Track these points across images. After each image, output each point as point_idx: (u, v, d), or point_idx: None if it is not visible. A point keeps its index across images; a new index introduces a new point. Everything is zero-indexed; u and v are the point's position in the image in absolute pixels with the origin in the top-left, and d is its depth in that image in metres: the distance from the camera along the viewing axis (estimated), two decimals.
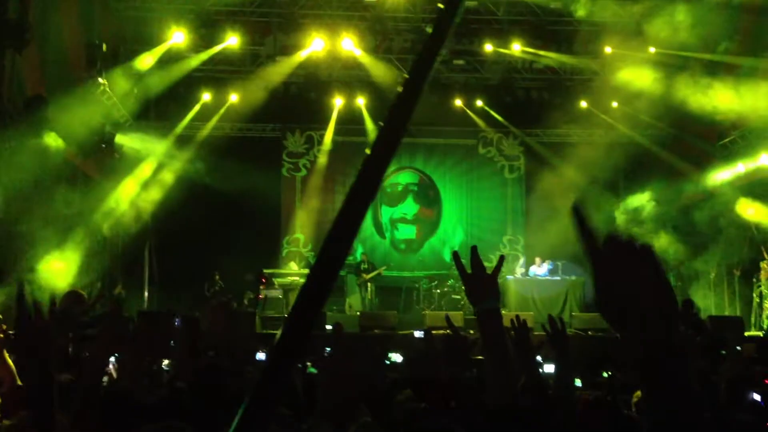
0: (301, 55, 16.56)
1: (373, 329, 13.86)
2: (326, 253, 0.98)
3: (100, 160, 15.02)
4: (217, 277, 16.25)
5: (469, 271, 2.53)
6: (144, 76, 15.83)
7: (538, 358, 5.87)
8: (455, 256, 2.58)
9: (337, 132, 18.78)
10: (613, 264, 1.19)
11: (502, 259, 2.73)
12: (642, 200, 18.30)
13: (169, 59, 16.09)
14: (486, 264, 2.55)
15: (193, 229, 16.68)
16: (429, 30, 1.04)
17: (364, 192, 0.99)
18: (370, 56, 16.98)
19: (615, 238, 1.21)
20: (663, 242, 17.48)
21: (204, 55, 16.21)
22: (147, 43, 15.61)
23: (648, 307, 1.15)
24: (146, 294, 16.87)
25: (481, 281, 2.51)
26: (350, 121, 18.49)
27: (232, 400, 3.27)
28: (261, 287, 15.59)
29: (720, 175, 15.93)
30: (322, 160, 19.11)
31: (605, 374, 6.70)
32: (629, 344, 1.15)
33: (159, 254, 17.31)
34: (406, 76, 1.02)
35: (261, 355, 5.90)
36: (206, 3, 15.57)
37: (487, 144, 19.71)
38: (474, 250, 2.57)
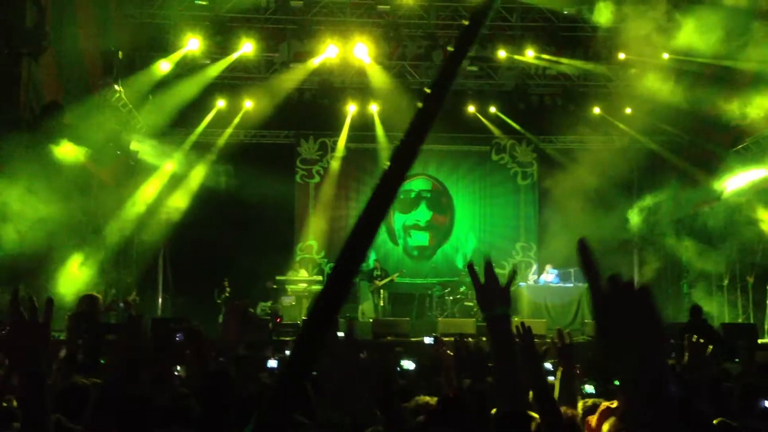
0: (314, 62, 16.62)
1: (386, 336, 13.87)
2: (342, 262, 1.02)
3: (115, 167, 15.13)
4: (226, 283, 16.30)
5: (482, 281, 2.56)
6: (160, 83, 15.99)
7: (548, 365, 5.87)
8: (470, 267, 2.60)
9: (350, 139, 18.84)
10: (613, 303, 1.29)
11: (514, 272, 2.78)
12: (655, 205, 18.24)
13: (184, 66, 16.23)
14: (498, 271, 2.58)
15: (208, 236, 16.76)
16: (450, 48, 1.06)
17: (381, 205, 1.03)
18: (383, 63, 17.04)
19: (616, 279, 1.30)
20: (677, 247, 17.44)
21: (221, 65, 16.29)
22: (162, 50, 15.74)
23: (641, 346, 1.25)
24: (160, 301, 16.96)
25: (493, 292, 2.54)
26: (363, 127, 18.55)
27: (240, 407, 3.30)
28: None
29: (733, 181, 15.85)
30: (335, 166, 19.17)
31: (616, 382, 6.68)
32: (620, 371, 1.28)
33: (173, 261, 17.42)
34: (427, 90, 1.06)
35: (273, 363, 5.90)
36: (221, 10, 15.69)
37: (500, 150, 19.71)
38: (488, 263, 2.59)
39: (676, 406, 1.24)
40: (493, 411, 3.55)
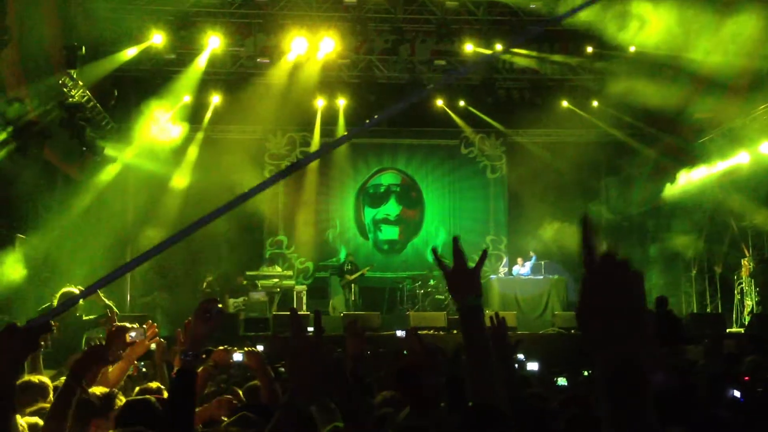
0: (281, 57, 16.50)
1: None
2: None
3: (81, 163, 14.92)
4: (210, 278, 16.24)
5: (450, 265, 2.53)
6: (124, 78, 15.78)
7: (520, 356, 5.89)
8: (434, 252, 2.57)
9: (322, 134, 18.75)
10: (604, 279, 1.26)
11: (485, 253, 2.74)
12: (621, 198, 18.46)
13: (148, 61, 16.02)
14: (470, 264, 2.55)
15: (174, 231, 16.60)
16: None
17: None
18: (350, 57, 16.96)
19: (611, 256, 1.28)
20: (645, 238, 17.66)
21: (195, 63, 16.09)
22: (126, 45, 15.50)
23: (626, 326, 1.23)
24: (128, 297, 16.75)
25: (463, 274, 2.51)
26: (332, 122, 18.47)
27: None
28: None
29: (700, 173, 16.07)
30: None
31: (586, 373, 6.73)
32: (601, 362, 1.23)
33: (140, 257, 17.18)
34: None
35: (238, 356, 5.73)
36: (185, 4, 15.48)
37: (469, 144, 19.75)
38: (455, 240, 2.56)
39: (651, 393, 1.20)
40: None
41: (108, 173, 15.75)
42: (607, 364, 1.22)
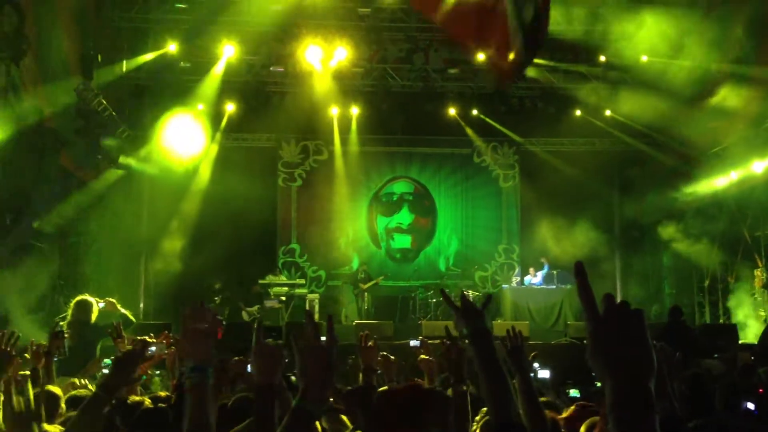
0: (295, 65, 16.57)
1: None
2: None
3: (97, 171, 15.02)
4: (218, 286, 16.33)
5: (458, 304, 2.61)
6: (139, 87, 15.91)
7: (535, 365, 5.89)
8: (443, 293, 2.63)
9: (332, 142, 18.84)
10: (607, 323, 1.34)
11: (489, 298, 2.80)
12: (634, 207, 18.39)
13: (164, 69, 16.11)
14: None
15: (189, 240, 16.72)
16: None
17: None
18: (364, 66, 17.01)
19: (610, 299, 1.36)
20: (660, 248, 17.57)
21: (212, 73, 16.16)
22: (142, 53, 15.61)
23: (632, 366, 1.31)
24: (141, 306, 16.82)
25: (470, 312, 2.57)
26: (346, 131, 18.54)
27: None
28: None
29: (713, 182, 16.00)
30: (318, 169, 19.19)
31: (598, 384, 6.69)
32: (609, 389, 1.31)
33: (154, 265, 17.27)
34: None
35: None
36: (200, 13, 15.58)
37: (482, 153, 19.75)
38: (463, 297, 2.64)
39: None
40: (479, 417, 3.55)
41: (123, 181, 15.83)
42: (616, 392, 1.30)
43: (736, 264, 15.96)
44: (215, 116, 17.32)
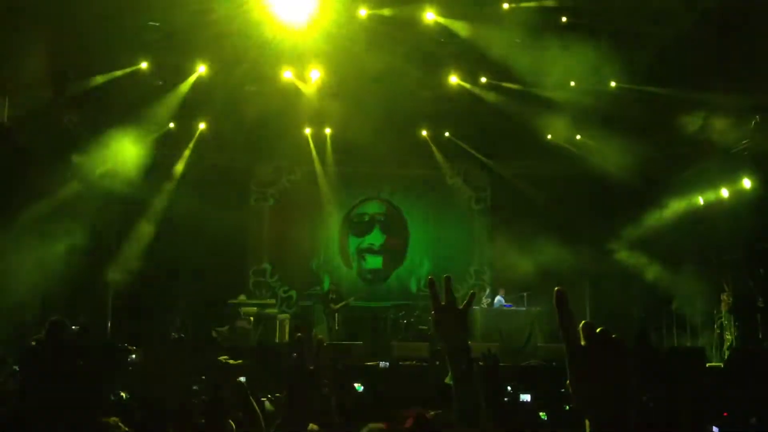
0: (270, 85, 16.54)
1: (339, 360, 13.77)
2: None
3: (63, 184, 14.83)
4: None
5: (443, 301, 2.52)
6: (109, 102, 15.77)
7: (509, 388, 5.90)
8: (431, 283, 2.54)
9: (307, 162, 18.79)
10: (587, 352, 1.34)
11: (473, 296, 2.74)
12: (608, 229, 18.52)
13: (134, 85, 15.98)
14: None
15: (158, 258, 16.52)
16: None
17: None
18: (339, 86, 17.03)
19: (591, 328, 1.36)
20: (627, 277, 17.69)
21: (182, 88, 16.06)
22: (113, 69, 15.49)
23: (613, 394, 1.31)
24: (109, 324, 16.57)
25: (450, 313, 2.51)
26: (320, 151, 18.53)
27: None
28: None
29: (680, 205, 16.25)
30: (291, 189, 19.15)
31: (567, 408, 6.72)
32: (591, 418, 1.32)
33: (121, 283, 16.99)
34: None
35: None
36: (174, 30, 15.49)
37: (454, 175, 19.85)
38: (447, 280, 2.55)
39: None
40: None
41: (80, 191, 15.49)
42: (597, 421, 1.30)
43: (703, 288, 16.12)
44: (186, 134, 17.20)
